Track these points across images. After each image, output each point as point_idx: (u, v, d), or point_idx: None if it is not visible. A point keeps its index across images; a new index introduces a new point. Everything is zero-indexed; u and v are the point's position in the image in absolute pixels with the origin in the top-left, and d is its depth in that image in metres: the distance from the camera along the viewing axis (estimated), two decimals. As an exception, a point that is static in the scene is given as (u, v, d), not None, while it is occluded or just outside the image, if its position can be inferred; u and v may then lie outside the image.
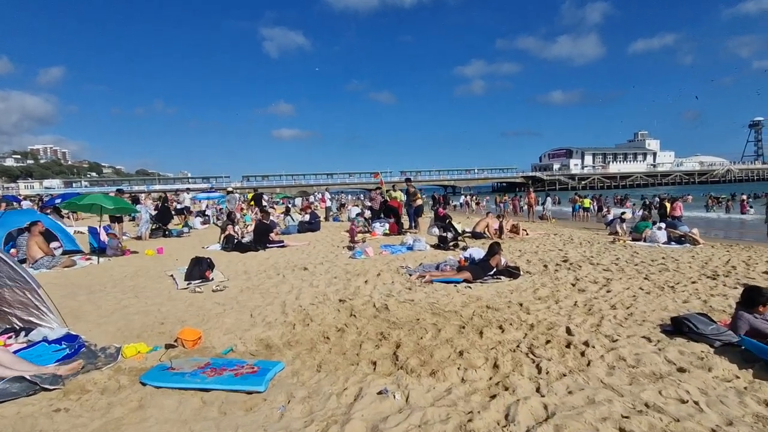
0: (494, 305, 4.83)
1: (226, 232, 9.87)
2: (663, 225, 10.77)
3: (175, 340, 3.79)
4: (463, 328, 4.07)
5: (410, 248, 9.21)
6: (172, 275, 6.84)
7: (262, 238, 9.79)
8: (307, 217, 14.58)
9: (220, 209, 20.35)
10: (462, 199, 40.24)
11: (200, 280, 6.26)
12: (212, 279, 6.38)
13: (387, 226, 12.65)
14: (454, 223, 10.02)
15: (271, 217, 14.34)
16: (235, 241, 9.54)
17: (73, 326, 4.14)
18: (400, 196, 13.48)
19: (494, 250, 6.48)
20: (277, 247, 9.88)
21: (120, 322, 4.54)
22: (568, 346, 3.57)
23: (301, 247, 10.15)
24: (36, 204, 22.75)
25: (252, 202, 19.36)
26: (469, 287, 5.75)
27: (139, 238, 11.43)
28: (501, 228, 11.55)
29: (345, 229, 13.41)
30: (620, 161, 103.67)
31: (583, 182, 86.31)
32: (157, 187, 69.79)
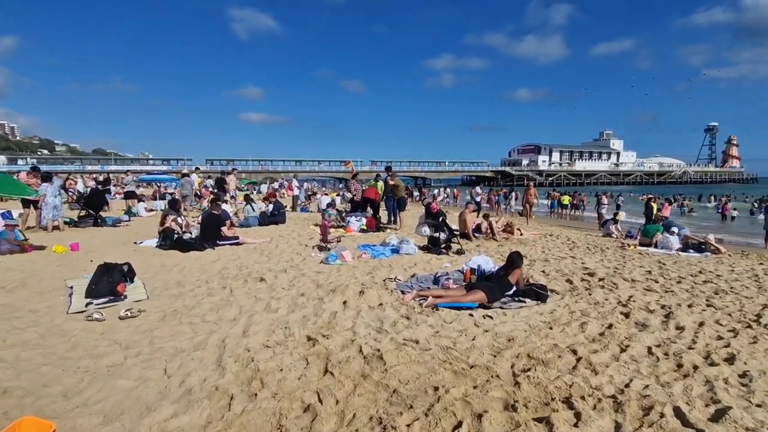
0: (538, 354, 3.26)
1: (165, 225, 7.89)
2: (676, 229, 9.61)
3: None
4: (513, 408, 2.48)
5: (396, 251, 7.56)
6: (71, 287, 4.91)
7: (211, 233, 7.88)
8: (270, 207, 12.68)
9: (167, 193, 18.02)
10: (435, 191, 38.97)
11: (107, 299, 4.38)
12: (125, 297, 4.51)
13: (364, 220, 10.95)
14: (448, 223, 8.44)
15: (226, 206, 12.34)
16: (176, 236, 7.58)
17: None
18: (381, 186, 11.81)
19: (515, 262, 4.93)
20: (230, 244, 7.99)
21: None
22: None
23: (261, 245, 8.31)
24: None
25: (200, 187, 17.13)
26: (489, 316, 4.16)
27: (44, 228, 9.11)
28: (491, 227, 10.09)
29: (314, 222, 11.62)
30: (586, 159, 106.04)
31: (550, 178, 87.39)
32: (113, 167, 64.86)
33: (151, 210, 14.67)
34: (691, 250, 8.86)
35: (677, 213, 24.10)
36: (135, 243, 8.13)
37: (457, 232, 9.91)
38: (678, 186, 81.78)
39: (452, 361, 3.10)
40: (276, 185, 32.06)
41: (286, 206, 17.66)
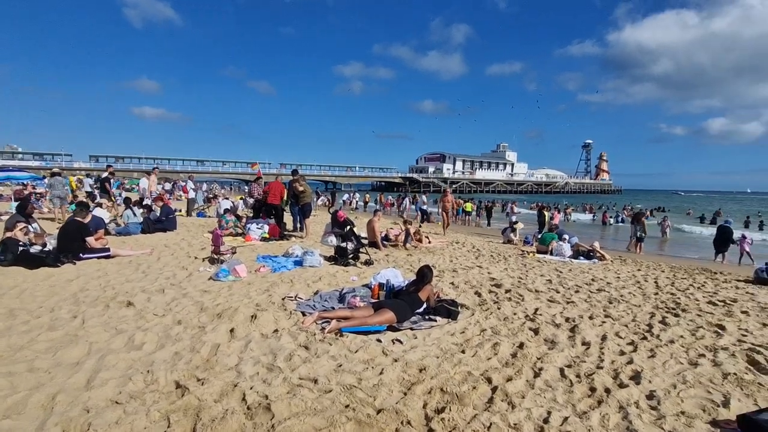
0: (451, 386, 2.91)
1: (6, 234, 6.32)
2: (567, 237, 10.27)
3: None
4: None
5: (299, 263, 6.91)
6: None
7: (71, 244, 6.49)
8: (158, 212, 11.16)
9: (34, 194, 15.19)
10: (345, 196, 38.61)
11: None
12: None
13: (266, 227, 10.07)
14: (356, 231, 7.98)
15: (102, 211, 10.58)
16: (20, 249, 6.07)
17: None
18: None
19: (425, 276, 4.62)
20: (98, 258, 6.68)
21: None
22: None
23: (139, 257, 7.09)
24: None
25: (75, 186, 14.70)
26: (399, 341, 3.75)
27: None
28: (408, 234, 9.91)
29: (210, 229, 10.45)
30: (485, 168, 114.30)
31: (454, 185, 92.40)
32: (-40, 161, 54.10)
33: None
34: (582, 257, 9.51)
35: (563, 221, 26.59)
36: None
37: (366, 241, 9.54)
38: (561, 195, 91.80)
39: (356, 405, 2.60)
40: (168, 186, 29.01)
41: (179, 210, 15.95)
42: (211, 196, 26.43)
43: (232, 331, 3.81)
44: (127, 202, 11.37)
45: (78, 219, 6.90)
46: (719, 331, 4.42)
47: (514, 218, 18.85)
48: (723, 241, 13.20)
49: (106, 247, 7.04)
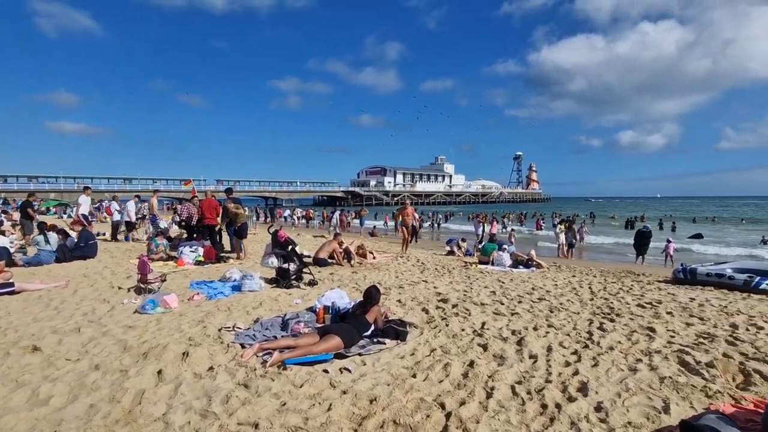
0: (404, 416, 2.76)
1: None
2: (506, 246, 10.61)
3: None
4: None
5: (237, 287, 6.49)
6: None
7: (-36, 281, 5.62)
8: (74, 237, 10.12)
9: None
10: (287, 212, 37.75)
11: None
12: None
13: (200, 250, 9.44)
14: (298, 251, 7.66)
15: (2, 238, 9.39)
16: None
17: None
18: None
19: (372, 297, 4.48)
20: (1, 294, 5.83)
21: None
22: None
23: (51, 291, 6.30)
24: None
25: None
26: (347, 369, 3.55)
27: None
28: (348, 251, 9.72)
29: (140, 254, 9.61)
30: (425, 181, 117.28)
31: (395, 198, 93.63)
32: None
33: None
34: (521, 266, 9.85)
35: (500, 230, 27.75)
36: None
37: (309, 259, 9.24)
38: (497, 204, 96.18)
39: (303, 451, 2.38)
40: (83, 208, 26.55)
41: (102, 234, 14.70)
42: (139, 216, 24.58)
43: (159, 372, 3.41)
44: (41, 226, 10.17)
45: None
46: (651, 333, 4.67)
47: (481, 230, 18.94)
48: (641, 244, 14.36)
49: (10, 281, 6.18)
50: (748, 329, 4.94)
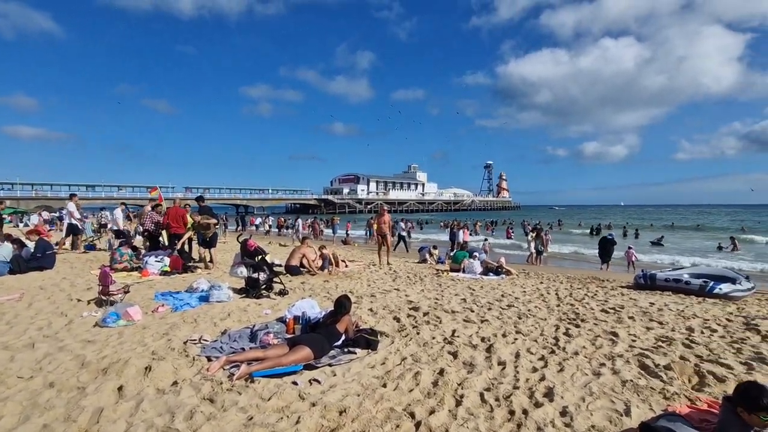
0: (374, 428, 2.75)
1: None
2: (477, 254, 10.78)
3: None
4: None
5: (205, 298, 6.32)
6: None
7: None
8: (31, 248, 9.62)
9: None
10: (259, 219, 37.21)
11: None
12: None
13: (166, 260, 9.15)
14: (268, 260, 7.53)
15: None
16: None
17: None
18: (190, 221, 10.14)
19: (343, 306, 4.46)
20: (-55, 308, 5.47)
21: None
22: None
23: (3, 304, 5.96)
24: None
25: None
26: (317, 381, 3.51)
27: None
28: (325, 257, 9.64)
29: (102, 265, 9.24)
30: (398, 189, 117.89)
31: (368, 206, 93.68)
32: None
33: None
34: (491, 274, 10.02)
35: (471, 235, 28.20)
36: None
37: (280, 268, 9.12)
38: (468, 212, 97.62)
39: (270, 466, 2.33)
40: (45, 216, 25.43)
41: (56, 246, 13.99)
42: (100, 225, 23.62)
43: (120, 389, 3.27)
44: (-9, 238, 9.61)
45: None
46: (614, 338, 4.83)
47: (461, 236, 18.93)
48: (605, 251, 14.89)
49: (-43, 295, 5.81)
50: (702, 332, 5.19)
